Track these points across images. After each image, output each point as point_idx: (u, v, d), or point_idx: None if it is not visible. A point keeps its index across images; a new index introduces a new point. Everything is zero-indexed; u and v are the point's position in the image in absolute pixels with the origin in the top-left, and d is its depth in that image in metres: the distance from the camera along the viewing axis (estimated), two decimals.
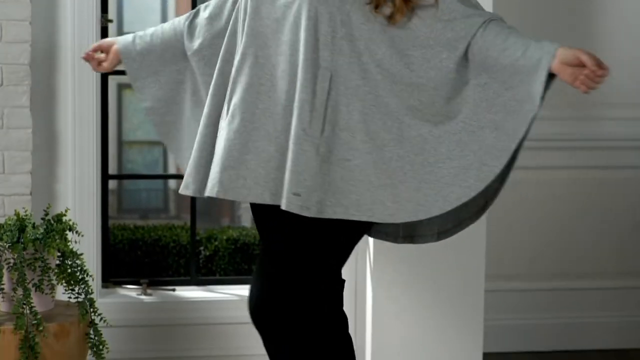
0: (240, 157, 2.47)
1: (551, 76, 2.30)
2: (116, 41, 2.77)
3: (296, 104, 2.39)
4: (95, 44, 2.80)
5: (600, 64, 2.27)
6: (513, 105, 2.33)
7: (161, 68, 2.74)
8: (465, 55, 2.40)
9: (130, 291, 3.82)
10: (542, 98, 2.29)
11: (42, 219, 3.25)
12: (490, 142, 2.35)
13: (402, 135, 2.40)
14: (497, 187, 2.46)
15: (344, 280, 2.60)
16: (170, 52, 2.72)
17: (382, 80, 2.40)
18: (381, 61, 2.40)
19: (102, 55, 2.78)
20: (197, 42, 2.67)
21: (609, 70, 2.28)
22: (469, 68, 2.40)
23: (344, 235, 2.50)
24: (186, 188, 2.57)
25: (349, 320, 2.64)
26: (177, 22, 2.73)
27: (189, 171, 2.59)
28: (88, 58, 2.80)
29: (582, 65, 2.28)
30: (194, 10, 2.71)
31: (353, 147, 2.39)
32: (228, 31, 2.62)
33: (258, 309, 2.49)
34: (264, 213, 2.52)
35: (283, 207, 2.38)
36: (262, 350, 2.57)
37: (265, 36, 2.49)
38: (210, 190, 2.50)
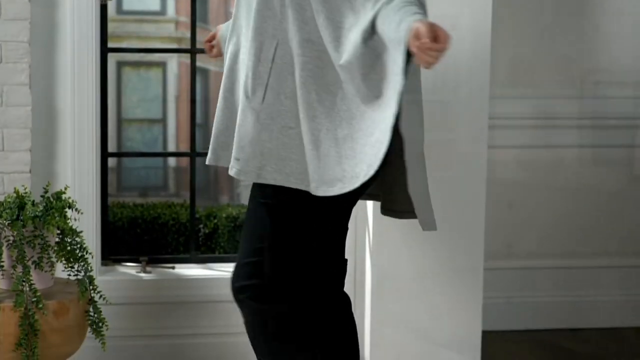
0: (232, 126, 2.55)
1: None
2: (220, 28, 2.88)
3: (243, 72, 2.45)
4: (211, 33, 2.91)
5: (437, 38, 2.14)
6: (396, 81, 2.28)
7: None
8: (373, 29, 2.34)
9: (130, 269, 3.83)
10: (405, 72, 2.23)
11: (42, 196, 3.25)
12: (386, 119, 2.31)
13: (332, 109, 2.41)
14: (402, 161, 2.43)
15: (346, 260, 2.60)
16: None
17: (321, 52, 2.41)
18: (319, 32, 2.41)
19: (214, 42, 2.90)
20: None
21: (446, 45, 2.14)
22: (379, 43, 2.35)
23: (332, 213, 2.52)
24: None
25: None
26: None
27: None
28: (205, 46, 2.93)
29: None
30: None
31: (295, 115, 2.42)
32: (235, 5, 2.67)
33: (236, 276, 2.57)
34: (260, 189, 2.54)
35: (230, 173, 2.45)
36: None
37: (249, 6, 2.53)
38: (207, 157, 2.61)
